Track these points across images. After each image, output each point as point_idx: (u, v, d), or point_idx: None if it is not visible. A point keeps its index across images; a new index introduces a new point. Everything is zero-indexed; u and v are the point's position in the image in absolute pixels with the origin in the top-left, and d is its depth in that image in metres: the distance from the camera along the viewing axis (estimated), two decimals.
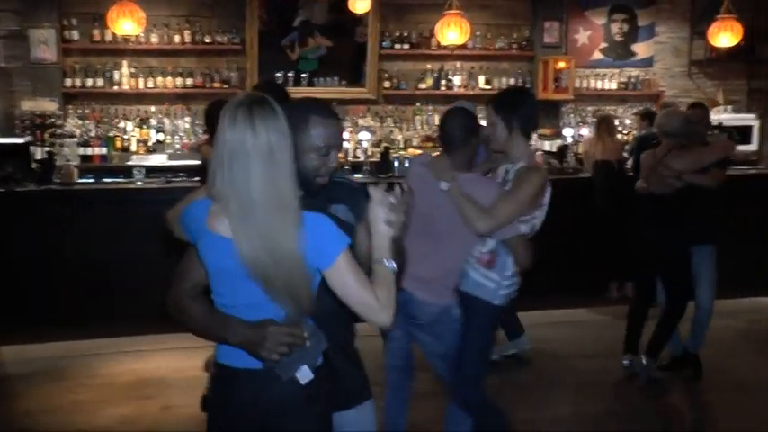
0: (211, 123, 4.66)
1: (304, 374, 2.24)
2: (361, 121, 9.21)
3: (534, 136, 9.32)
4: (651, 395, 5.16)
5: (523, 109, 3.56)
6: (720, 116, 9.85)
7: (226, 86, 8.78)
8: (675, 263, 5.20)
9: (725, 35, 9.06)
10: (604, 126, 7.53)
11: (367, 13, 8.81)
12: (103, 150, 8.32)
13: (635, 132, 8.74)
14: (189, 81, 8.76)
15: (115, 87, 8.61)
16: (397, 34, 9.31)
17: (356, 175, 7.55)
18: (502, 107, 3.55)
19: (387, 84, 9.35)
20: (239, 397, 2.29)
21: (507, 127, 3.53)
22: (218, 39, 8.81)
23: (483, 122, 3.80)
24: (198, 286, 2.33)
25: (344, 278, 2.20)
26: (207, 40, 8.78)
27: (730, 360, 5.82)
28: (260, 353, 2.19)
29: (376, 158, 8.26)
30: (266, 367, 2.23)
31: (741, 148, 9.60)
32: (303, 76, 9.09)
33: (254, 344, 2.19)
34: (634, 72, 10.19)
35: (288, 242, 2.14)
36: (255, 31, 8.79)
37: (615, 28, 10.14)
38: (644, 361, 5.30)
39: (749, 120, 9.87)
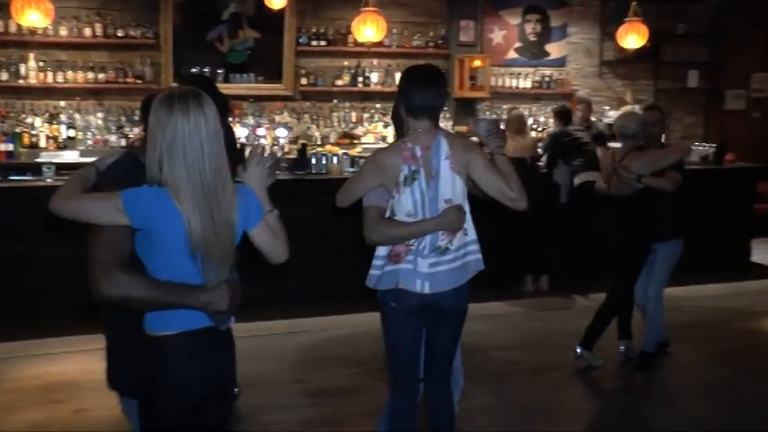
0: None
1: (232, 322, 2.64)
2: (278, 118, 9.15)
3: (451, 131, 9.44)
4: (567, 385, 5.29)
5: (411, 88, 3.38)
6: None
7: (140, 82, 8.60)
8: (636, 259, 5.38)
9: (632, 37, 9.40)
10: (514, 125, 7.68)
11: (284, 9, 8.76)
12: (10, 147, 8.04)
13: (549, 129, 8.96)
14: (101, 76, 8.54)
15: (21, 81, 8.33)
16: (314, 31, 9.29)
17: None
18: (399, 84, 3.49)
19: (304, 80, 9.32)
20: (206, 355, 2.54)
21: (399, 104, 3.49)
22: (131, 33, 8.61)
23: None
24: (124, 262, 2.44)
25: (266, 236, 2.67)
26: (119, 34, 8.57)
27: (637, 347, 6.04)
28: (219, 310, 2.49)
29: (293, 155, 8.20)
30: (216, 323, 2.53)
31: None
32: (219, 72, 8.97)
33: (212, 304, 2.47)
34: (548, 71, 10.43)
35: (231, 214, 2.50)
36: (170, 24, 8.62)
37: (529, 28, 10.35)
38: (578, 350, 5.51)
39: None
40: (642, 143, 5.33)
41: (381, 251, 3.41)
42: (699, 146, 9.46)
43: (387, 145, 3.84)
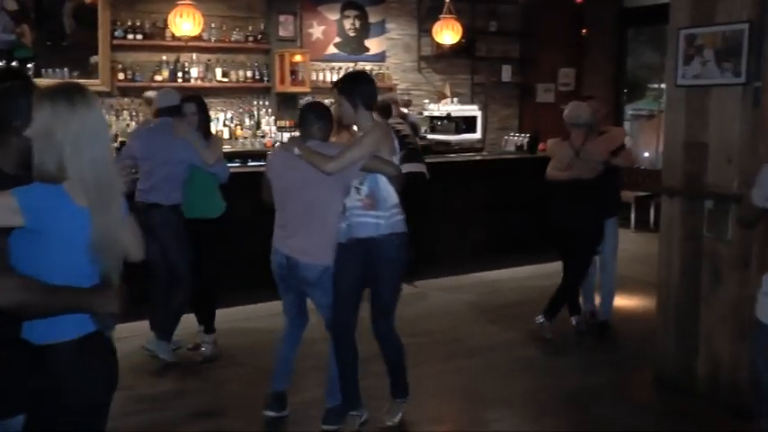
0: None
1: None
2: None
3: (273, 128, 9.43)
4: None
5: (365, 87, 4.24)
6: (448, 107, 10.57)
7: None
8: (592, 236, 5.92)
9: (448, 33, 9.77)
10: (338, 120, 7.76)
11: (96, 1, 8.41)
12: None
13: None
14: None
15: None
16: (130, 24, 8.98)
17: None
18: (347, 88, 4.20)
19: (121, 75, 8.99)
20: (112, 359, 2.53)
21: (352, 104, 4.17)
22: None
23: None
24: (4, 264, 2.28)
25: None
26: None
27: (464, 329, 6.29)
28: (111, 313, 2.38)
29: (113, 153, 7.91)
30: (103, 327, 2.43)
31: (467, 136, 10.38)
32: (29, 66, 8.47)
33: (105, 306, 2.36)
34: (368, 66, 10.59)
35: (121, 210, 2.45)
36: None
37: (348, 24, 10.49)
38: (540, 319, 6.00)
39: (473, 111, 10.66)
40: (589, 130, 5.87)
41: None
42: (514, 136, 9.98)
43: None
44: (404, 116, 8.56)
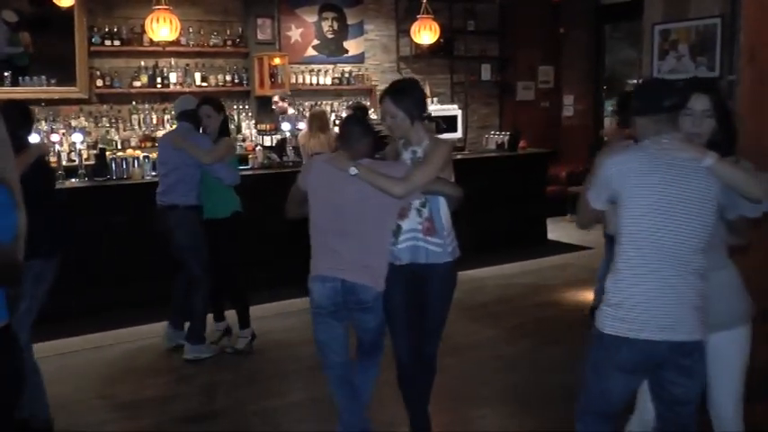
0: None
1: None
2: (73, 122, 8.74)
3: (254, 131, 9.43)
4: None
5: (419, 96, 3.86)
6: (429, 107, 10.53)
7: None
8: None
9: (426, 33, 9.82)
10: (317, 123, 7.86)
11: (72, 7, 8.37)
12: None
13: None
14: None
15: None
16: (107, 30, 8.94)
17: (72, 180, 7.14)
18: (403, 99, 3.77)
19: (99, 82, 8.95)
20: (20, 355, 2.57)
21: (408, 115, 3.76)
22: None
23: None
24: None
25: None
26: None
27: (448, 327, 6.28)
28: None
29: (92, 161, 7.86)
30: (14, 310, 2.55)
31: (448, 136, 10.38)
32: (6, 74, 8.44)
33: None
34: (347, 67, 10.62)
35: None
36: None
37: (326, 26, 10.49)
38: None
39: (453, 110, 10.67)
40: None
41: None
42: (494, 134, 10.03)
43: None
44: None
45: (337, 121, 10.11)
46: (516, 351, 5.80)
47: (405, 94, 3.81)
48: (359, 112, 4.04)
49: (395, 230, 3.82)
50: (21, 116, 4.29)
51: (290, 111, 9.15)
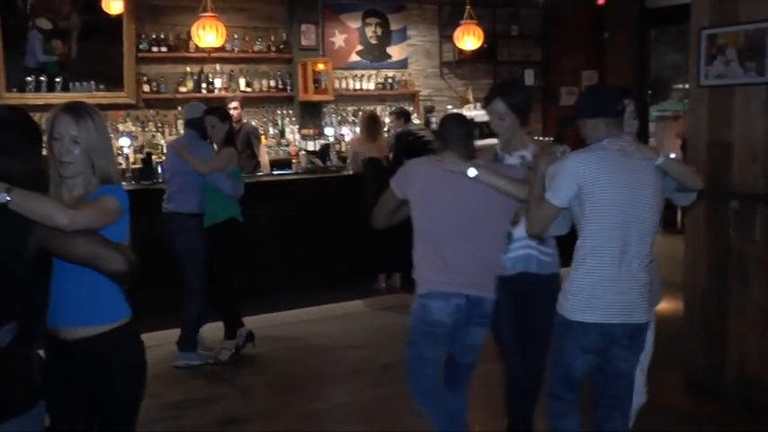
0: None
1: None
2: (121, 127, 8.89)
3: (297, 136, 9.49)
4: None
5: (528, 99, 3.86)
6: (472, 113, 10.52)
7: None
8: None
9: (469, 39, 9.79)
10: (373, 125, 7.80)
11: (121, 15, 8.52)
12: None
13: (393, 130, 9.12)
14: None
15: None
16: (154, 36, 9.09)
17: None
18: (514, 100, 3.66)
19: (146, 87, 9.10)
20: None
21: (519, 117, 3.69)
22: None
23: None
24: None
25: None
26: None
27: None
28: None
29: (138, 165, 7.99)
30: None
31: (491, 141, 10.34)
32: (58, 80, 8.61)
33: None
34: (390, 73, 10.65)
35: None
36: None
37: (369, 31, 10.53)
38: None
39: None
40: None
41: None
42: (538, 140, 9.93)
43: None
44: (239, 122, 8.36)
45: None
46: None
47: (515, 96, 3.69)
48: (457, 114, 3.90)
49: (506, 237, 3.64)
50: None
51: (245, 119, 8.75)
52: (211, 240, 5.64)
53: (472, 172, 3.39)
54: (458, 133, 3.59)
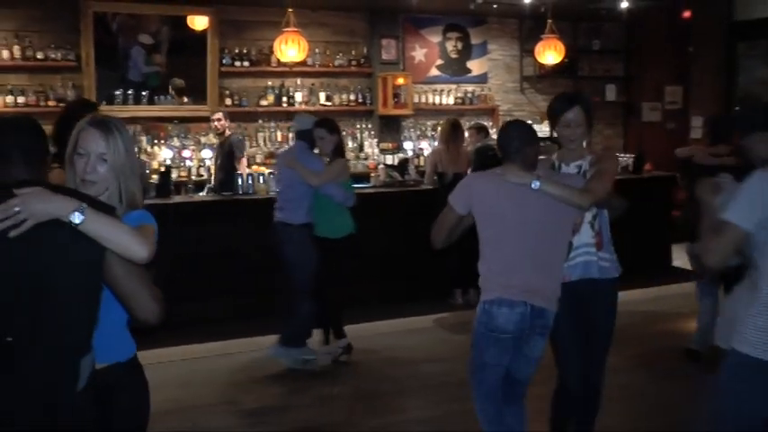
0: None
1: None
2: (203, 139, 9.10)
3: (376, 150, 9.54)
4: None
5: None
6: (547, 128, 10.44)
7: (62, 105, 8.40)
8: None
9: (550, 53, 9.71)
10: (453, 132, 7.64)
11: (206, 30, 8.74)
12: None
13: (471, 146, 9.08)
14: (21, 99, 8.34)
15: None
16: (237, 51, 9.29)
17: (200, 194, 7.45)
18: (590, 110, 3.74)
19: (228, 101, 9.29)
20: None
21: (589, 124, 3.75)
22: (52, 55, 8.46)
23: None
24: None
25: None
26: (39, 56, 8.41)
27: None
28: None
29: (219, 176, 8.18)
30: None
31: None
32: (144, 94, 8.88)
33: None
34: (470, 87, 10.64)
35: None
36: (91, 46, 8.48)
37: (450, 46, 10.55)
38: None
39: None
40: None
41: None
42: (619, 156, 9.76)
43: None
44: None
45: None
46: (633, 381, 5.57)
47: (590, 106, 3.77)
48: (518, 122, 3.85)
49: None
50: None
51: (228, 132, 8.55)
52: (330, 252, 5.73)
53: (536, 184, 3.37)
54: (519, 144, 3.51)
